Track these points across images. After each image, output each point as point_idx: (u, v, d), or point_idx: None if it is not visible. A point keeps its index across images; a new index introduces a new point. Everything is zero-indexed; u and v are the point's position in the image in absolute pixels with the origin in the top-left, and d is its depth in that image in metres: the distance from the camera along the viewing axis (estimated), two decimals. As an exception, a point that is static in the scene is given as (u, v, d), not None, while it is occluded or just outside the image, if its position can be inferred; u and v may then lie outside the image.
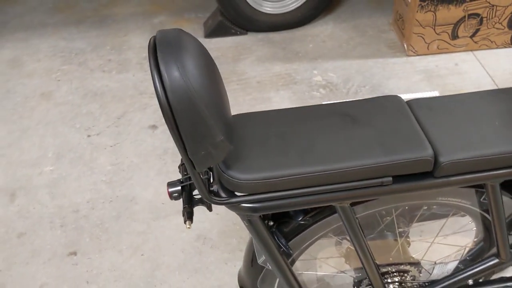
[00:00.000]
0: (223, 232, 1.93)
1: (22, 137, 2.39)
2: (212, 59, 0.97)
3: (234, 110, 2.46)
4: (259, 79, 2.65)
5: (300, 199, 0.98)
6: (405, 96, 2.48)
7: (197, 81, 0.83)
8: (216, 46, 2.91)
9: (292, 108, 1.08)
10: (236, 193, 0.98)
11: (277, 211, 1.03)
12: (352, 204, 1.07)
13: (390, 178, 0.98)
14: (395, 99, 1.09)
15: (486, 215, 1.20)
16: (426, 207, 1.24)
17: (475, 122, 1.04)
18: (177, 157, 2.23)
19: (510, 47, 2.74)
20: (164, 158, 2.25)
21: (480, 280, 1.32)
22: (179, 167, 1.13)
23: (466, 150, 0.98)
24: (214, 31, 2.96)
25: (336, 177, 0.96)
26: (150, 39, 0.86)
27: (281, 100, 2.51)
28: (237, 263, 1.84)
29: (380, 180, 0.98)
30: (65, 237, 1.95)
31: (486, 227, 1.25)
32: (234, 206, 0.99)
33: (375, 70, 2.67)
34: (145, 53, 2.89)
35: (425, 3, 2.51)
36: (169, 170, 2.19)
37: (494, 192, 1.07)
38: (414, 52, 2.72)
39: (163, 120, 2.39)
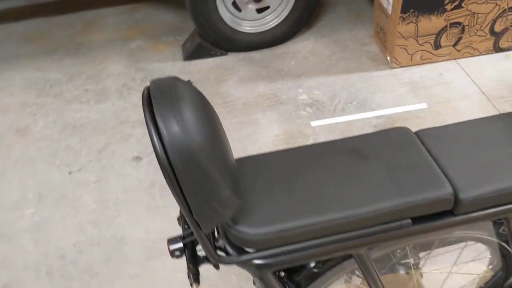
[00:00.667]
0: (221, 269, 1.84)
1: (0, 179, 2.27)
2: (209, 103, 0.89)
3: (221, 136, 2.38)
4: (244, 100, 2.58)
5: (315, 250, 0.91)
6: (392, 111, 2.44)
7: (199, 134, 0.75)
8: (197, 69, 2.83)
9: (296, 147, 1.01)
10: (245, 248, 0.91)
11: (291, 266, 0.96)
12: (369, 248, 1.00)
13: (409, 221, 0.91)
14: (404, 131, 1.03)
15: (505, 245, 1.15)
16: (440, 241, 1.18)
17: (488, 151, 0.99)
18: (167, 191, 2.14)
19: (492, 53, 2.74)
20: (152, 192, 2.15)
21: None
22: (178, 219, 1.04)
23: (485, 184, 0.93)
24: (193, 53, 2.88)
25: (352, 224, 0.89)
26: (144, 90, 0.78)
27: (268, 121, 2.44)
28: (238, 301, 1.76)
29: (398, 223, 0.91)
30: (52, 286, 1.84)
31: (504, 256, 1.20)
32: (244, 264, 0.91)
33: (359, 84, 2.62)
34: (123, 80, 2.79)
35: (406, 15, 2.49)
36: (158, 205, 2.09)
37: (515, 224, 1.02)
38: (397, 64, 2.69)
39: (148, 151, 2.30)
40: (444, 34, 2.58)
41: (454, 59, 2.72)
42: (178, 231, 1.96)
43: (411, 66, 2.71)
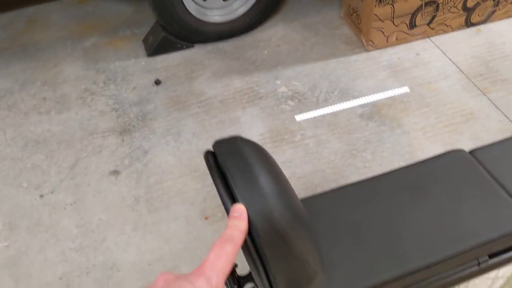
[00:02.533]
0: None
1: (-40, 210, 2.02)
2: (269, 154, 0.76)
3: (203, 138, 2.23)
4: (221, 97, 2.43)
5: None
6: (375, 97, 2.37)
7: (281, 205, 0.62)
8: (164, 65, 2.63)
9: (351, 185, 0.90)
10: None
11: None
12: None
13: (487, 257, 0.83)
14: (460, 155, 0.94)
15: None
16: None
17: None
18: (153, 206, 1.98)
19: (464, 28, 2.72)
20: (137, 209, 1.99)
21: None
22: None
23: None
24: (157, 48, 2.67)
25: (431, 271, 0.80)
26: (206, 155, 0.64)
27: (250, 119, 2.31)
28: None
29: (476, 261, 0.83)
30: (44, 329, 1.66)
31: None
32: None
33: (339, 71, 2.53)
34: (83, 85, 2.55)
35: (382, -4, 2.40)
36: (147, 223, 1.93)
37: None
38: (373, 46, 2.61)
39: (125, 162, 2.12)
40: (420, 14, 2.52)
41: (428, 37, 2.68)
42: (174, 249, 1.82)
43: (387, 47, 2.64)
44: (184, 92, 2.47)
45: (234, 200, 0.59)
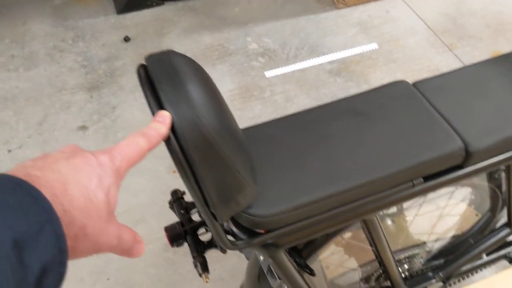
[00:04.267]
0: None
1: None
2: (207, 74, 0.78)
3: (172, 95, 2.23)
4: (191, 54, 2.42)
5: (328, 222, 0.85)
6: (344, 54, 2.39)
7: (210, 114, 0.64)
8: (133, 22, 2.61)
9: (296, 113, 0.92)
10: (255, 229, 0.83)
11: (304, 241, 0.89)
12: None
13: (421, 179, 0.87)
14: (403, 85, 0.97)
15: (496, 188, 1.15)
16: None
17: (488, 98, 0.96)
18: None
19: (434, -13, 2.73)
20: (106, 163, 1.99)
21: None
22: (169, 203, 0.94)
23: (492, 134, 0.90)
24: (127, 6, 2.65)
25: (365, 191, 0.83)
26: (138, 69, 0.65)
27: (220, 75, 2.31)
28: (216, 267, 1.70)
29: (411, 183, 0.87)
30: (13, 277, 1.69)
31: (493, 198, 1.20)
32: (256, 246, 0.83)
33: (309, 29, 2.54)
34: (52, 42, 2.52)
35: (352, -48, 2.39)
36: (116, 176, 1.95)
37: (514, 170, 1.01)
38: (344, 4, 2.62)
39: (93, 118, 2.12)
40: (389, -30, 2.52)
41: (399, -5, 2.69)
42: (141, 202, 1.85)
43: (358, 5, 2.65)
44: (153, 49, 2.45)
45: (161, 108, 0.61)
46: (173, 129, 0.60)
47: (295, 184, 0.81)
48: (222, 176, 0.65)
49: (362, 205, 0.85)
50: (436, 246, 1.32)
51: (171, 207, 0.94)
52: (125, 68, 2.37)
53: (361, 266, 1.27)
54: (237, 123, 0.81)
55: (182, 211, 0.90)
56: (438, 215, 1.32)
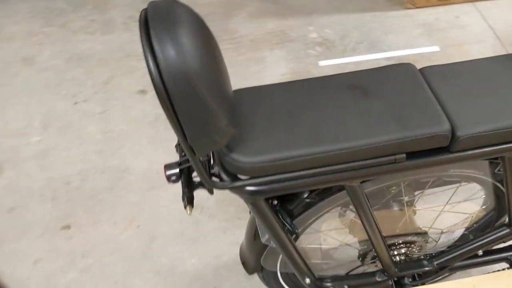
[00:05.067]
0: (221, 201, 1.88)
1: (6, 106, 2.28)
2: (211, 33, 0.87)
3: (229, 72, 2.35)
4: (252, 37, 2.53)
5: (308, 180, 0.91)
6: (403, 52, 2.38)
7: (196, 60, 0.73)
8: (206, 2, 2.76)
9: (298, 80, 0.99)
10: (239, 176, 0.91)
11: (283, 193, 0.96)
12: (361, 181, 1.00)
13: (404, 155, 0.91)
14: (408, 67, 1.00)
15: (499, 185, 1.14)
16: (436, 178, 1.18)
17: (492, 90, 0.96)
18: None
19: (512, -4, 2.63)
20: (156, 126, 2.16)
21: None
22: (175, 146, 1.05)
23: (484, 123, 0.91)
24: (202, -14, 2.80)
25: (346, 156, 0.88)
26: (141, 12, 0.76)
27: (276, 59, 2.40)
28: (236, 232, 1.79)
29: (393, 157, 0.91)
30: (57, 210, 1.89)
31: (498, 196, 1.20)
32: (237, 190, 0.92)
33: (373, 24, 2.55)
34: (130, 12, 2.73)
35: (425, -48, 2.38)
36: (162, 138, 2.11)
37: (511, 164, 1.01)
38: (412, 5, 2.60)
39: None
40: (464, -26, 2.47)
41: (472, 1, 2.62)
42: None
43: (427, 7, 2.62)
44: (218, 29, 2.59)
45: (150, 45, 0.71)
46: (157, 65, 0.70)
47: (280, 139, 0.88)
48: (197, 112, 0.74)
49: (342, 170, 0.90)
50: (438, 239, 1.33)
51: (176, 149, 1.04)
52: (189, 42, 2.52)
53: (359, 243, 1.31)
54: (228, 77, 0.90)
55: (183, 154, 0.99)
56: (445, 210, 1.32)
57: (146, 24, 0.73)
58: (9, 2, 2.85)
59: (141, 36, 0.72)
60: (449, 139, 0.90)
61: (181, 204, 1.86)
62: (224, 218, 1.84)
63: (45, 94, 2.32)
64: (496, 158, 1.06)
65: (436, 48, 2.40)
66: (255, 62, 2.41)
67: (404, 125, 0.89)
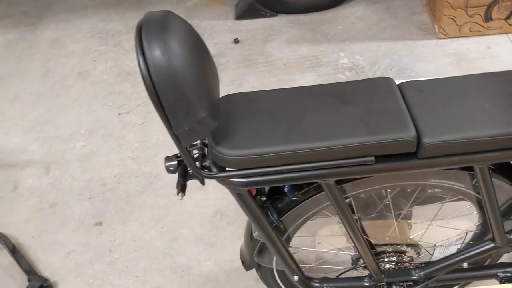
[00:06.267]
0: (239, 209, 1.99)
1: (59, 114, 2.54)
2: (203, 42, 1.02)
3: (259, 91, 2.50)
4: (286, 61, 2.68)
5: (285, 176, 1.03)
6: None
7: (180, 60, 0.88)
8: (246, 28, 2.95)
9: (285, 88, 1.12)
10: (227, 168, 1.04)
11: (262, 186, 1.08)
12: (340, 183, 1.11)
13: (373, 158, 1.00)
14: (387, 81, 1.11)
15: (480, 196, 1.20)
16: (420, 189, 1.25)
17: (465, 105, 1.04)
18: (200, 136, 2.31)
19: (548, 29, 2.64)
20: (188, 137, 2.33)
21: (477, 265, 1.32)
22: None
23: (451, 132, 0.99)
24: (244, 13, 3.00)
25: (320, 155, 0.99)
26: (139, 21, 0.92)
27: (305, 82, 2.53)
28: (251, 239, 1.91)
29: (362, 159, 1.00)
30: (93, 208, 2.08)
31: (482, 209, 1.25)
32: (223, 181, 1.05)
33: (403, 52, 2.64)
34: (177, 35, 2.96)
35: (457, -16, 2.45)
36: (192, 148, 2.27)
37: (484, 175, 1.08)
38: (445, 35, 2.66)
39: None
40: (496, 7, 2.52)
41: (506, 33, 2.65)
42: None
43: (459, 37, 2.67)
44: (255, 52, 2.76)
45: (141, 48, 0.86)
46: (146, 62, 0.85)
47: (261, 136, 1.01)
48: (179, 103, 0.88)
49: (315, 168, 1.01)
50: (433, 252, 1.38)
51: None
52: (227, 64, 2.70)
53: (353, 248, 1.39)
54: (216, 79, 1.04)
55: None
56: (437, 224, 1.38)
57: (140, 29, 0.89)
58: (73, 23, 3.16)
59: (135, 40, 0.88)
60: (415, 145, 0.99)
61: (203, 209, 2.01)
62: (241, 226, 1.96)
63: (94, 105, 2.56)
64: (473, 169, 1.13)
65: (464, 77, 2.44)
66: (286, 83, 2.54)
67: (374, 130, 0.99)
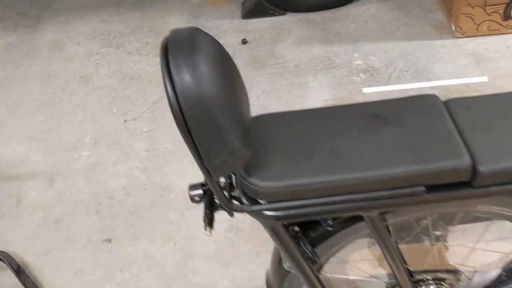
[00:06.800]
0: (255, 224, 1.90)
1: (62, 121, 2.43)
2: (231, 59, 0.92)
3: (271, 96, 2.40)
4: (297, 62, 2.57)
5: (324, 208, 0.93)
6: (450, 82, 2.34)
7: (211, 85, 0.78)
8: (254, 27, 2.84)
9: (317, 108, 1.02)
10: (259, 200, 0.94)
11: (300, 220, 0.98)
12: (382, 212, 1.01)
13: (423, 188, 0.91)
14: (431, 98, 1.01)
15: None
16: (464, 214, 1.16)
17: None
18: (211, 145, 2.21)
19: None
20: (198, 145, 2.23)
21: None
22: None
23: (508, 158, 0.90)
24: (251, 12, 2.88)
25: (363, 185, 0.90)
26: (164, 39, 0.81)
27: (318, 85, 2.42)
28: (269, 256, 1.81)
29: (411, 189, 0.91)
30: (100, 224, 1.98)
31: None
32: (256, 214, 0.95)
33: (419, 53, 2.53)
34: (182, 36, 2.85)
35: (476, -19, 2.34)
36: (203, 158, 2.17)
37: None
38: (462, 34, 2.55)
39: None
40: (516, 4, 2.41)
41: (526, 31, 2.54)
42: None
43: (477, 36, 2.56)
44: (265, 53, 2.65)
45: (168, 69, 0.76)
46: (174, 88, 0.75)
47: (297, 166, 0.90)
48: (210, 134, 0.78)
49: (358, 200, 0.91)
50: (473, 277, 1.29)
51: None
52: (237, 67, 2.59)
53: (388, 275, 1.30)
54: (247, 103, 0.94)
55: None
56: (478, 247, 1.29)
57: (166, 50, 0.79)
58: (73, 24, 3.04)
59: (161, 63, 0.78)
60: (469, 173, 0.89)
61: (217, 224, 1.91)
62: (258, 242, 1.86)
63: (97, 112, 2.45)
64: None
65: (484, 79, 2.34)
66: (298, 86, 2.44)
67: (421, 156, 0.89)
